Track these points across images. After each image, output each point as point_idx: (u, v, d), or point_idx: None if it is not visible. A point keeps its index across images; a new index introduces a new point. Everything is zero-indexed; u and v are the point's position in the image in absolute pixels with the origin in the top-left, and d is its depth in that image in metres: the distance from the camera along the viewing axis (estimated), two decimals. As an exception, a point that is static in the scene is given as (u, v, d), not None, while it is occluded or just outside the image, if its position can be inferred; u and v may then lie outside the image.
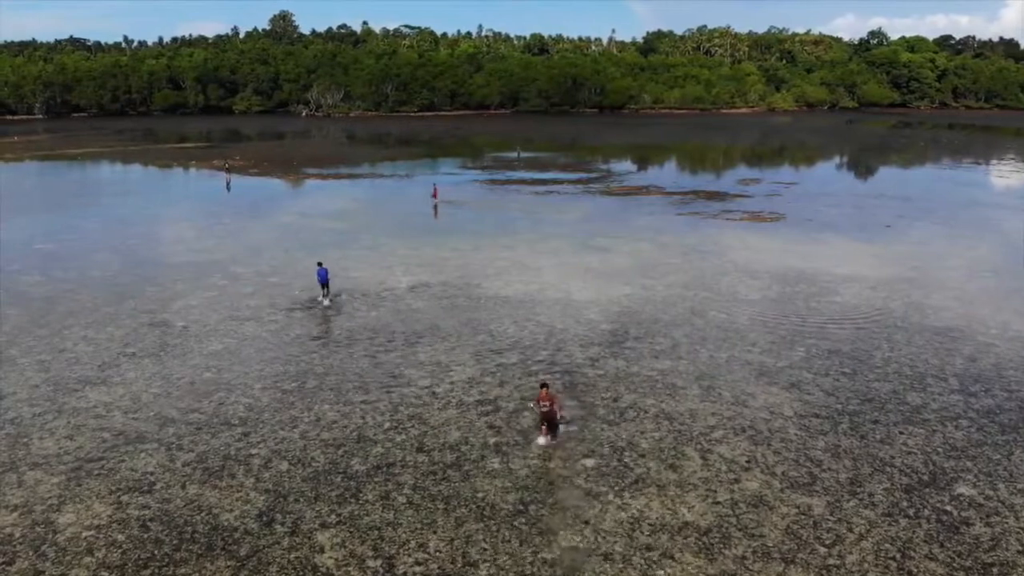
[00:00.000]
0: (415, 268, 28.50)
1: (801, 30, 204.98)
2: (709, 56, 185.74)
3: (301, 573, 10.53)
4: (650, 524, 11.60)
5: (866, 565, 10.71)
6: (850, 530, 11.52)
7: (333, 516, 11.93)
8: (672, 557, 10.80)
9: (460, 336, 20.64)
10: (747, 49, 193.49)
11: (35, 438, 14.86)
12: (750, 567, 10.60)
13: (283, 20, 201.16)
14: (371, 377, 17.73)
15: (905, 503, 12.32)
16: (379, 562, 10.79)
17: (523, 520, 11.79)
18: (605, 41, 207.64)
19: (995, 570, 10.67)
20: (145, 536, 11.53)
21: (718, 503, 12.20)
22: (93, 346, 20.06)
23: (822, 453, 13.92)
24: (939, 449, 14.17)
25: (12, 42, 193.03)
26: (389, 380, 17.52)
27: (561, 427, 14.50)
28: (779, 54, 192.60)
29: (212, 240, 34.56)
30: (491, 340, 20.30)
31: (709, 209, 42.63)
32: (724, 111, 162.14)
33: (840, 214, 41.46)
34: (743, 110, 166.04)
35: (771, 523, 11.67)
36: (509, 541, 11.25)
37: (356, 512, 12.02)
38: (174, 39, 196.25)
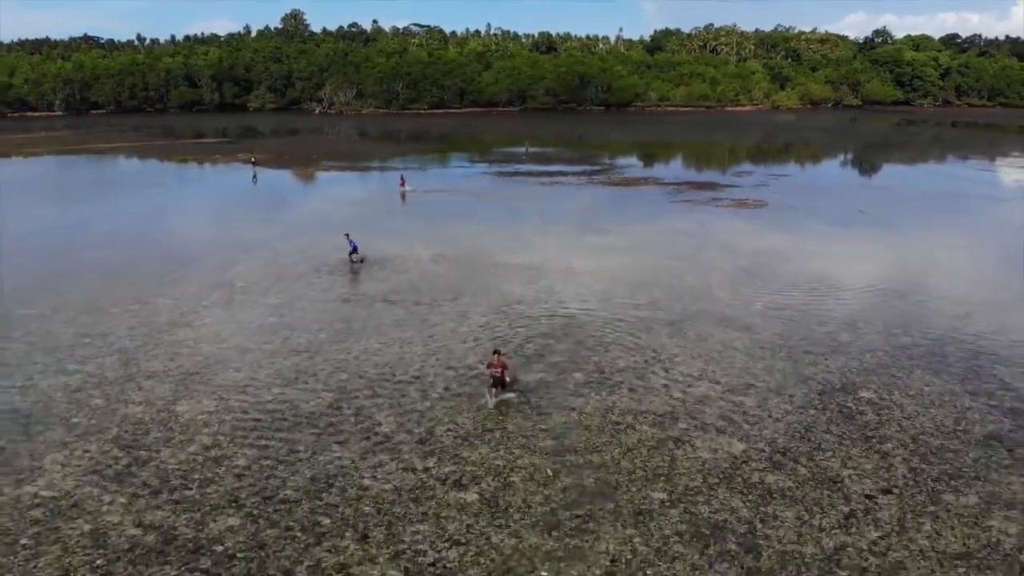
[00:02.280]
0: (434, 244, 32.47)
1: (808, 28, 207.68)
2: (715, 55, 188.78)
3: (367, 435, 14.56)
4: (620, 410, 15.60)
5: (778, 435, 14.63)
6: (769, 415, 15.46)
7: (386, 405, 15.97)
8: (634, 428, 14.79)
9: (476, 294, 24.62)
10: (753, 47, 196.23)
11: (142, 360, 18.95)
12: (690, 434, 14.56)
13: (294, 19, 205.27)
14: (406, 321, 21.78)
15: (817, 401, 16.22)
16: (422, 429, 14.83)
17: (527, 408, 15.78)
18: (612, 39, 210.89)
19: (874, 441, 14.55)
20: (245, 417, 15.57)
21: (673, 399, 16.18)
22: (171, 300, 24.17)
23: (760, 371, 17.83)
24: (854, 369, 18.05)
25: (26, 40, 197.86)
26: (420, 323, 21.57)
27: (511, 394, 16.05)
28: (785, 52, 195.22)
29: (251, 223, 38.66)
30: (501, 297, 24.26)
31: (700, 198, 46.40)
32: (728, 109, 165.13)
33: (820, 202, 45.14)
34: (747, 108, 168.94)
35: (711, 411, 15.62)
36: (516, 419, 15.23)
37: (403, 402, 16.09)
38: (186, 37, 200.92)
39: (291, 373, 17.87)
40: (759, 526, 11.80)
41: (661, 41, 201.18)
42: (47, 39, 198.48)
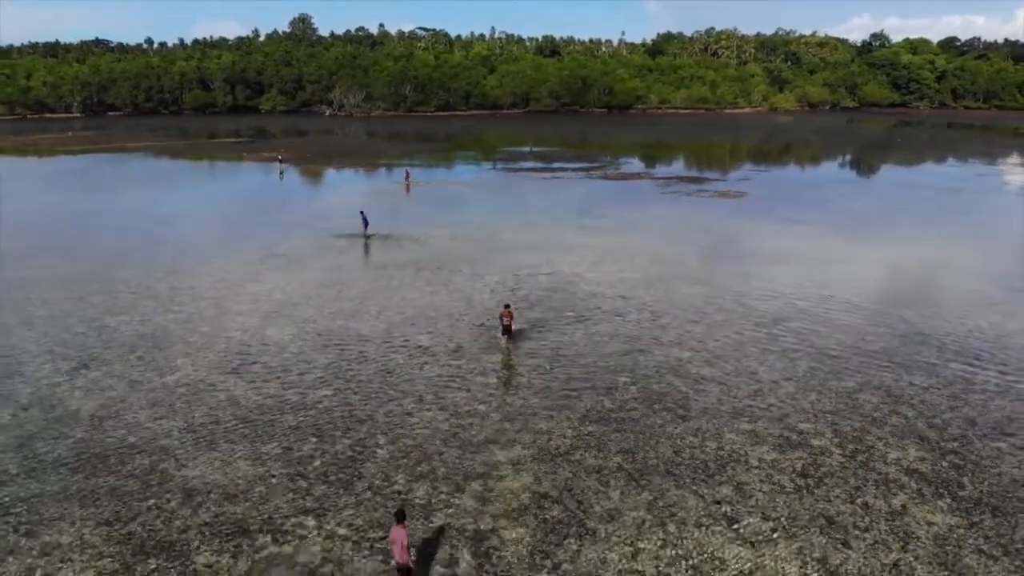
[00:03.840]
0: (449, 225, 37.59)
1: (810, 31, 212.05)
2: (716, 58, 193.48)
3: (413, 348, 19.68)
4: (600, 333, 20.80)
5: (716, 348, 19.66)
6: (712, 337, 20.54)
7: (424, 331, 21.14)
8: (609, 343, 19.95)
9: (488, 263, 29.71)
10: (753, 51, 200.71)
11: (230, 304, 24.09)
12: (651, 347, 19.65)
13: (302, 23, 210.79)
14: (433, 280, 26.92)
15: (750, 328, 21.25)
16: (453, 344, 20.02)
17: (531, 333, 20.91)
18: (615, 43, 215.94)
19: (788, 352, 19.55)
20: (321, 337, 20.70)
21: (641, 328, 21.40)
22: (236, 265, 29.34)
23: (711, 311, 22.97)
24: (788, 309, 23.05)
25: (36, 43, 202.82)
26: (444, 281, 26.72)
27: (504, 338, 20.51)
28: (784, 56, 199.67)
29: (286, 209, 43.83)
30: (509, 264, 29.35)
31: (687, 190, 51.45)
32: (727, 111, 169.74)
33: (794, 193, 50.17)
34: (746, 110, 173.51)
35: (668, 335, 20.80)
36: (522, 340, 20.37)
37: (436, 329, 21.31)
38: (196, 40, 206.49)
39: (349, 311, 23.03)
40: (691, 395, 16.87)
41: (663, 45, 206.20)
42: (57, 42, 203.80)
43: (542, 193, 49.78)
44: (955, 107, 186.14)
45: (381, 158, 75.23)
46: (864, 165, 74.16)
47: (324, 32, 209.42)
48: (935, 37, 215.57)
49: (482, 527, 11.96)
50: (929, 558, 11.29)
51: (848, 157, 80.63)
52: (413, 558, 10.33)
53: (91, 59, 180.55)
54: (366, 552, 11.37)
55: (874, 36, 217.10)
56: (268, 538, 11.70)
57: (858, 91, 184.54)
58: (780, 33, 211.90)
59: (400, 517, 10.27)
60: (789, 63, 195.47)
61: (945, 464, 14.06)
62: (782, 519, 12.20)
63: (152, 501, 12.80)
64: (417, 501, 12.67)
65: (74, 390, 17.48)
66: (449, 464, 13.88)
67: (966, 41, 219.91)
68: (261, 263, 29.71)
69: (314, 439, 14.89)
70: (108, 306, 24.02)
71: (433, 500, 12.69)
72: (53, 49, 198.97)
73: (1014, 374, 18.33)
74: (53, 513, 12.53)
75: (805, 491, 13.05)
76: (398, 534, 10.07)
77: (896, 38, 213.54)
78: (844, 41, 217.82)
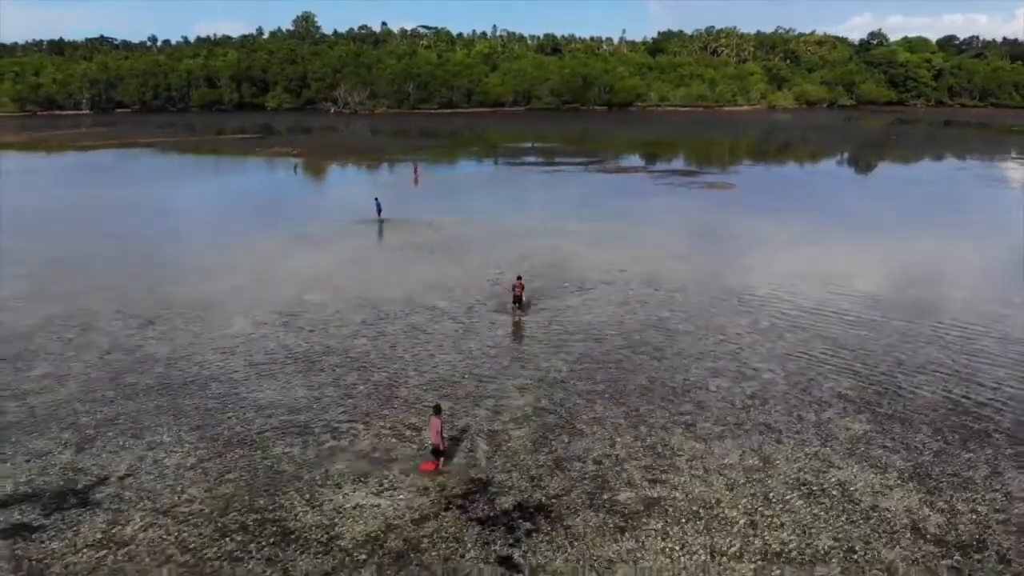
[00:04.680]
0: (457, 212, 40.84)
1: (811, 30, 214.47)
2: (715, 56, 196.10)
3: (432, 309, 22.92)
4: (592, 298, 24.13)
5: (692, 310, 22.87)
6: (689, 301, 23.74)
7: (440, 297, 24.41)
8: (601, 306, 23.14)
9: (494, 244, 32.99)
10: (752, 49, 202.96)
11: (270, 276, 27.34)
12: (636, 309, 22.88)
13: (306, 21, 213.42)
14: (446, 257, 30.25)
15: (722, 296, 24.45)
16: (465, 307, 23.19)
17: (533, 300, 24.16)
18: (616, 41, 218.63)
19: (751, 312, 22.75)
20: (354, 301, 23.99)
21: (628, 295, 24.69)
22: (268, 245, 32.61)
23: (690, 283, 26.23)
24: (752, 280, 26.25)
25: (42, 41, 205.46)
26: (457, 258, 30.06)
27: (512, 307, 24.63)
28: (784, 54, 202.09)
29: (306, 199, 47.14)
30: (514, 245, 32.58)
31: (679, 181, 54.64)
32: (726, 109, 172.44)
33: (778, 184, 53.40)
34: (744, 108, 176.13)
35: (652, 300, 24.07)
36: (527, 305, 23.61)
37: (451, 295, 24.63)
38: (199, 38, 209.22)
39: (374, 281, 26.38)
40: (667, 343, 20.16)
41: (663, 43, 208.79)
42: (62, 39, 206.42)
43: (543, 185, 52.98)
44: (952, 105, 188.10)
45: (387, 154, 78.39)
46: (852, 161, 77.26)
47: (327, 30, 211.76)
48: (937, 35, 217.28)
49: (495, 428, 15.23)
50: (843, 451, 14.50)
51: (839, 154, 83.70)
52: (444, 443, 13.56)
53: (99, 57, 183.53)
54: (406, 443, 14.62)
55: (872, 35, 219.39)
56: (328, 436, 14.96)
57: (855, 89, 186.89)
58: (780, 32, 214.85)
59: (437, 410, 13.53)
60: (788, 61, 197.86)
61: (870, 391, 17.28)
62: (730, 425, 15.43)
63: (231, 413, 16.05)
64: (443, 413, 15.89)
65: (146, 339, 20.75)
66: (467, 389, 17.14)
67: (965, 40, 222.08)
68: (291, 244, 32.97)
69: (356, 373, 18.16)
70: (160, 278, 27.27)
71: (456, 412, 15.92)
72: (58, 47, 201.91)
73: (944, 327, 21.54)
74: (152, 422, 15.76)
75: (752, 408, 16.28)
76: (434, 422, 13.32)
77: (897, 36, 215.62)
78: (843, 40, 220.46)
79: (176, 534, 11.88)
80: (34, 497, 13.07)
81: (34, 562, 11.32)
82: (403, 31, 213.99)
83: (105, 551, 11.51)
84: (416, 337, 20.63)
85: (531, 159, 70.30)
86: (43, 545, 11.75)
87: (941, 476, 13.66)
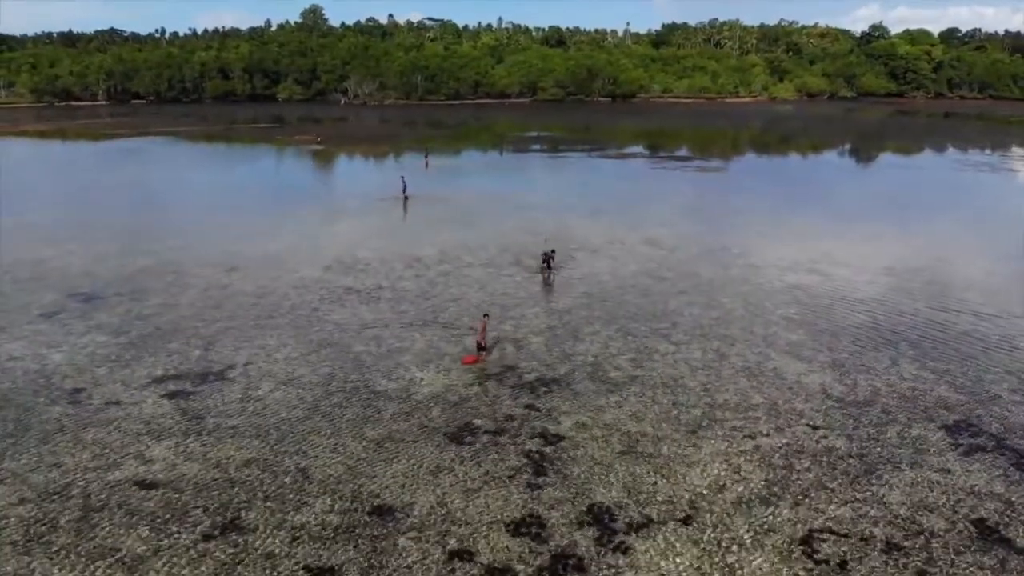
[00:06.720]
0: (471, 187, 45.73)
1: (814, 22, 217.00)
2: (718, 48, 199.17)
3: (459, 262, 27.71)
4: (595, 264, 28.71)
5: (686, 275, 27.63)
6: (681, 265, 28.50)
7: (466, 255, 29.24)
8: (603, 270, 27.89)
9: (506, 216, 37.90)
10: (755, 41, 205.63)
11: (319, 239, 32.15)
12: (637, 276, 27.64)
13: (313, 14, 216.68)
14: (466, 227, 35.09)
15: (706, 254, 29.18)
16: (487, 261, 28.00)
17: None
18: (620, 33, 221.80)
19: (721, 294, 27.50)
20: (392, 256, 28.73)
21: (629, 255, 29.33)
22: (309, 217, 37.48)
23: (679, 244, 30.97)
24: (732, 255, 30.97)
25: (50, 33, 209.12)
26: (474, 226, 34.93)
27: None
28: (786, 46, 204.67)
29: (331, 181, 51.92)
30: (523, 219, 37.34)
31: (674, 165, 59.33)
32: (728, 100, 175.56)
33: (768, 166, 57.96)
34: (745, 99, 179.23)
35: (651, 264, 28.70)
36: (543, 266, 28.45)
37: (475, 254, 29.37)
38: (206, 31, 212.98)
39: (408, 243, 31.36)
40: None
41: (666, 35, 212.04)
42: (71, 31, 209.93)
43: (548, 169, 57.74)
44: (951, 97, 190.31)
45: (398, 142, 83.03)
46: (838, 147, 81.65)
47: (335, 22, 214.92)
48: (943, 28, 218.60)
49: (518, 336, 20.12)
50: (781, 351, 19.31)
51: (835, 142, 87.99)
52: (486, 341, 18.42)
53: (113, 49, 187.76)
54: (451, 344, 19.49)
55: (873, 27, 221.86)
56: (394, 340, 19.90)
57: (855, 81, 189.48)
58: (783, 24, 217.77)
59: (485, 314, 18.43)
60: (790, 53, 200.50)
61: (811, 316, 22.07)
62: (696, 335, 20.28)
63: (317, 327, 20.95)
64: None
65: (233, 281, 25.67)
66: (495, 313, 21.93)
67: (967, 32, 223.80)
68: (330, 216, 37.94)
69: (406, 303, 23.10)
70: (227, 240, 32.16)
71: (488, 328, 20.74)
72: (69, 39, 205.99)
73: (883, 273, 26.28)
74: (257, 333, 20.59)
75: (715, 326, 21.12)
76: (482, 323, 18.20)
77: (900, 28, 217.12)
78: (846, 32, 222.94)
79: (296, 394, 16.75)
80: (181, 377, 17.90)
81: (195, 411, 16.18)
82: (409, 23, 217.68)
83: (250, 404, 16.36)
84: (449, 282, 25.48)
85: (536, 147, 74.89)
86: (200, 402, 16.58)
87: (851, 366, 18.43)
